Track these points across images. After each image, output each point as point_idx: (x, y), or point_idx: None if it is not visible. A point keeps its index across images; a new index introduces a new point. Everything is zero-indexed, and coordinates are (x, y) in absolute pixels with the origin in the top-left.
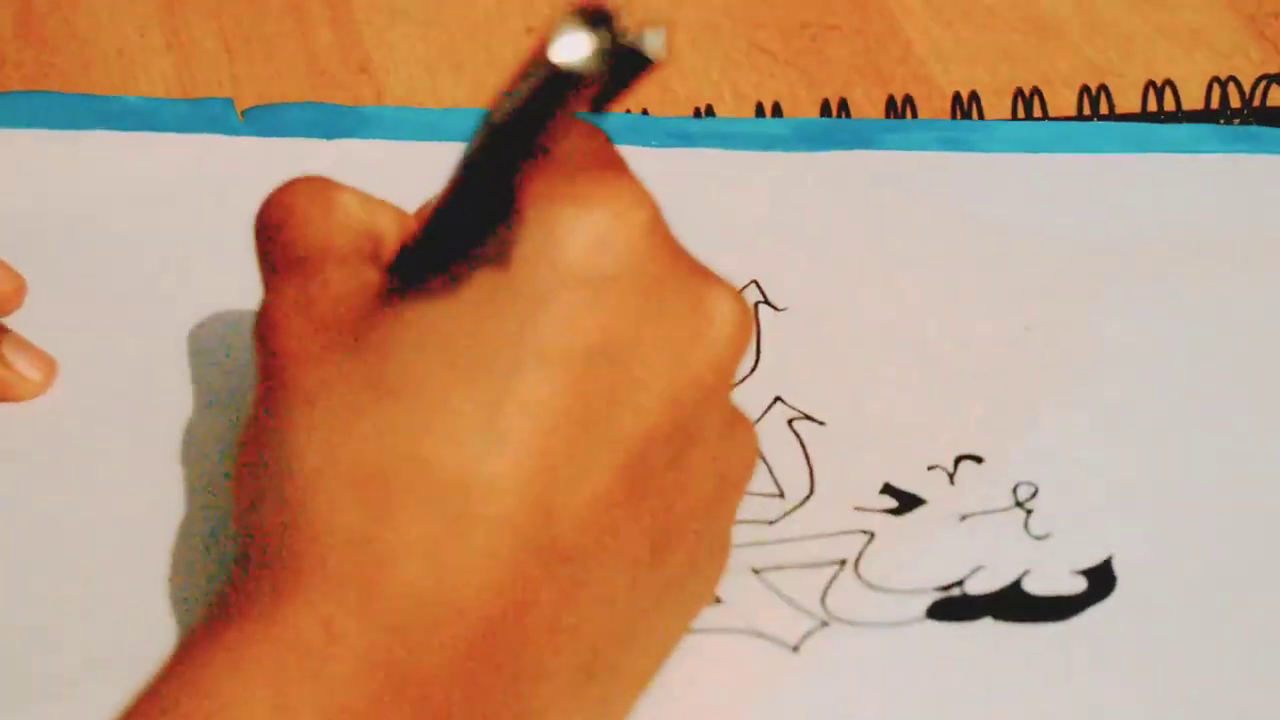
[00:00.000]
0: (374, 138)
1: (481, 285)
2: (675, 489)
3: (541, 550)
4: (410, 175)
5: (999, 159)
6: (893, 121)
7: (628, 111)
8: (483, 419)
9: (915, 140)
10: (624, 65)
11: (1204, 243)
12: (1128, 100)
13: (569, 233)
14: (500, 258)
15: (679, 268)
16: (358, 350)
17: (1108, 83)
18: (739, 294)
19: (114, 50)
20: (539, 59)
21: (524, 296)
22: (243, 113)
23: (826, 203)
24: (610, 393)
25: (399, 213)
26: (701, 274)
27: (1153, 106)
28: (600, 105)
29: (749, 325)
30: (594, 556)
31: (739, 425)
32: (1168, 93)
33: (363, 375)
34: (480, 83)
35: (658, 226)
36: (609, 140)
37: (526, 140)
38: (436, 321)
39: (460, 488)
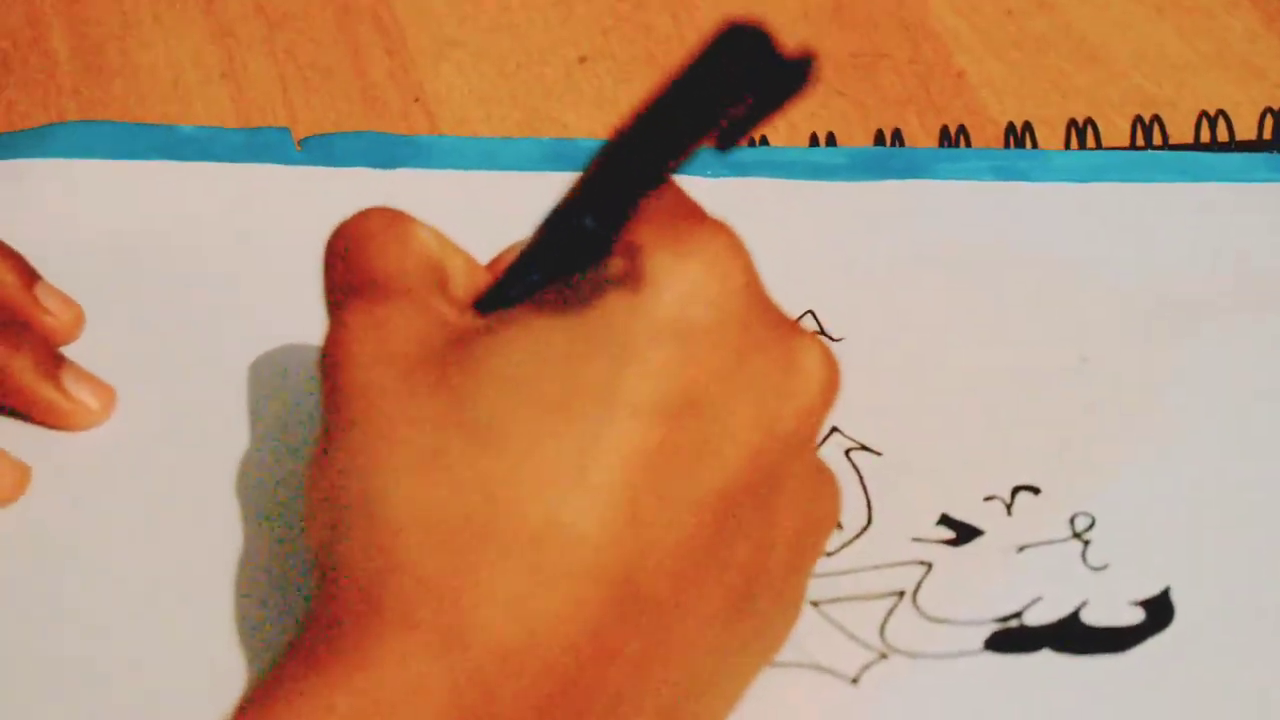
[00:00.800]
0: (430, 167)
1: (573, 330)
2: (759, 540)
3: (626, 602)
4: (467, 205)
5: (1053, 188)
6: (946, 150)
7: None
8: (571, 469)
9: (969, 169)
10: (778, 84)
11: (1259, 273)
12: (1180, 131)
13: (664, 282)
14: (592, 302)
15: (768, 319)
16: (440, 389)
17: (1160, 113)
18: (827, 348)
19: (170, 80)
20: (703, 63)
21: (616, 345)
22: (300, 142)
23: (881, 232)
24: (698, 444)
25: (467, 255)
26: (789, 326)
27: (1205, 137)
28: (737, 136)
29: (835, 379)
30: (678, 608)
31: (823, 477)
32: (1220, 122)
33: (448, 416)
34: (533, 112)
35: (750, 278)
36: (684, 190)
37: (658, 166)
38: (525, 365)
39: (547, 539)
